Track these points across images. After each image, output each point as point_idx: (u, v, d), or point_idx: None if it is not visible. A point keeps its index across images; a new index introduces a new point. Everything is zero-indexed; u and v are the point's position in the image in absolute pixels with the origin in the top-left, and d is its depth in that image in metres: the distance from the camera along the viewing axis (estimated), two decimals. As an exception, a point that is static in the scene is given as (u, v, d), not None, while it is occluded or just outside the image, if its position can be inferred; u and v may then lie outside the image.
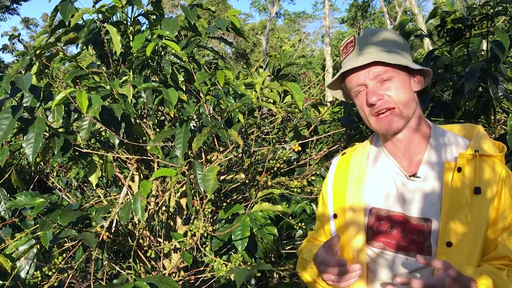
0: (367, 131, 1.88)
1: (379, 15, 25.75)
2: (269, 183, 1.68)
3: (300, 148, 1.73)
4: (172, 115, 1.79)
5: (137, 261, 1.80)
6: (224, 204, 1.67)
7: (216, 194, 1.81)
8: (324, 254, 1.03)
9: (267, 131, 1.93)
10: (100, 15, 1.64)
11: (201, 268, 1.81)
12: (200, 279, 1.78)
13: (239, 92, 1.64)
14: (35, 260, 1.56)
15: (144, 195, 1.50)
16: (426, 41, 11.12)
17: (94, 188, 2.19)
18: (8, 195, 1.66)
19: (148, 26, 1.80)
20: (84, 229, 1.57)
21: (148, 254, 1.71)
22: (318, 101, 2.01)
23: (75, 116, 1.64)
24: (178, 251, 1.78)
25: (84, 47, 1.71)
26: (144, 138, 1.82)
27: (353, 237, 1.13)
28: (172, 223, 1.85)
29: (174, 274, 1.79)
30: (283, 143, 1.92)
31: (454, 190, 1.03)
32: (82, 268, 2.09)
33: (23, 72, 1.92)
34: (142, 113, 1.85)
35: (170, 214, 1.85)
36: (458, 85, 1.86)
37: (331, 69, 12.21)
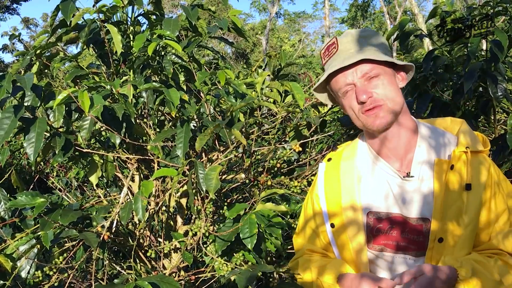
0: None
1: (379, 15, 25.76)
2: (269, 183, 1.68)
3: (300, 148, 1.73)
4: (173, 115, 1.79)
5: (138, 261, 1.80)
6: (225, 204, 1.67)
7: (216, 194, 1.81)
8: None
9: (267, 131, 1.93)
10: (100, 15, 1.64)
11: (202, 269, 1.81)
12: (201, 279, 1.78)
13: (240, 92, 1.64)
14: (35, 260, 1.56)
15: (146, 194, 1.50)
16: (426, 41, 11.13)
17: (94, 188, 2.19)
18: (8, 195, 1.67)
19: (148, 26, 1.80)
20: (85, 229, 1.57)
21: (148, 254, 1.71)
22: (318, 101, 2.01)
23: (76, 116, 1.64)
24: (178, 251, 1.78)
25: (85, 47, 1.71)
26: (144, 138, 1.82)
27: (353, 243, 1.13)
28: (172, 223, 1.85)
29: (174, 274, 1.79)
30: (283, 143, 1.92)
31: (446, 187, 1.04)
32: (82, 268, 2.09)
33: (23, 72, 1.92)
34: (143, 113, 1.85)
35: (170, 214, 1.85)
36: (458, 85, 1.86)
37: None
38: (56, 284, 1.59)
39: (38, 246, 1.57)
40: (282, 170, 1.89)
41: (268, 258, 1.77)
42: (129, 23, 1.77)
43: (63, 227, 1.50)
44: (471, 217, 1.03)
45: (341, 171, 1.18)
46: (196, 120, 1.73)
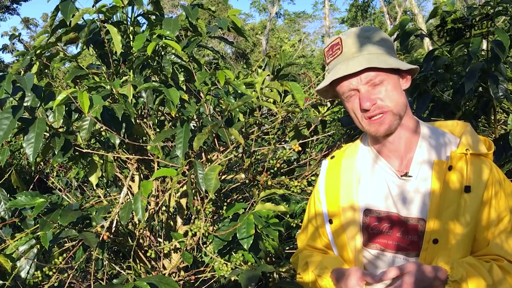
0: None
1: (379, 15, 25.76)
2: (269, 183, 1.68)
3: (300, 148, 1.73)
4: (173, 115, 1.79)
5: (137, 261, 1.80)
6: (225, 204, 1.67)
7: (216, 194, 1.81)
8: None
9: (267, 131, 1.93)
10: (100, 15, 1.64)
11: (201, 269, 1.81)
12: (200, 279, 1.78)
13: (239, 92, 1.64)
14: (35, 260, 1.56)
15: (145, 195, 1.50)
16: (426, 41, 11.12)
17: (94, 188, 2.18)
18: (8, 195, 1.66)
19: (147, 26, 1.80)
20: (85, 229, 1.57)
21: (148, 254, 1.71)
22: (318, 101, 2.01)
23: (76, 116, 1.64)
24: (178, 251, 1.78)
25: (85, 47, 1.71)
26: (144, 138, 1.82)
27: (350, 241, 1.13)
28: (172, 223, 1.85)
29: (174, 274, 1.79)
30: (283, 143, 1.92)
31: (444, 188, 1.04)
32: (82, 268, 2.09)
33: (23, 72, 1.92)
34: (142, 113, 1.85)
35: (170, 214, 1.84)
36: (458, 85, 1.86)
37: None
38: (55, 284, 1.59)
39: (38, 246, 1.57)
40: (282, 170, 1.89)
41: (268, 258, 1.77)
42: (129, 23, 1.76)
43: (63, 227, 1.50)
44: (469, 219, 1.02)
45: (342, 169, 1.19)
46: (196, 120, 1.73)
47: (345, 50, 1.08)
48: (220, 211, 1.77)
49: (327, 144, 2.30)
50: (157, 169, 1.72)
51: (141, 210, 1.51)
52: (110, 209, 1.65)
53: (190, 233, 1.61)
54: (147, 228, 1.79)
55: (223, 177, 1.80)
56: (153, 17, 1.80)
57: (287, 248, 2.09)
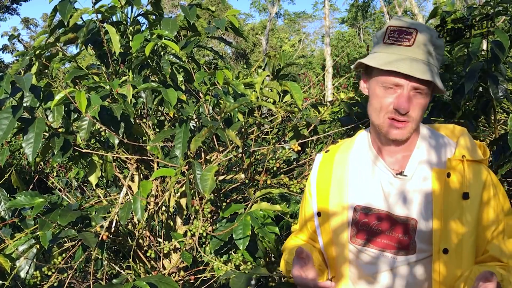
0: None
1: (379, 15, 25.76)
2: (269, 182, 1.68)
3: (299, 148, 1.73)
4: (171, 115, 1.78)
5: (137, 261, 1.80)
6: (224, 204, 1.67)
7: (216, 194, 1.81)
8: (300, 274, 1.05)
9: (267, 131, 1.93)
10: (99, 15, 1.64)
11: (201, 268, 1.81)
12: (200, 279, 1.78)
13: (238, 92, 1.64)
14: (34, 260, 1.56)
15: (144, 195, 1.50)
16: (426, 41, 11.09)
17: (94, 188, 2.18)
18: (8, 195, 1.66)
19: (147, 26, 1.80)
20: (84, 229, 1.57)
21: (148, 254, 1.71)
22: (318, 101, 2.01)
23: (75, 116, 1.64)
24: (178, 251, 1.78)
25: (84, 47, 1.71)
26: (143, 138, 1.82)
27: (337, 235, 1.14)
28: (172, 223, 1.85)
29: (174, 274, 1.79)
30: (282, 143, 1.92)
31: (444, 196, 1.04)
32: (82, 268, 2.09)
33: (22, 72, 1.92)
34: (142, 113, 1.85)
35: (170, 214, 1.84)
36: (458, 85, 1.86)
37: (331, 69, 12.21)
38: (55, 284, 1.59)
39: (37, 246, 1.57)
40: (281, 170, 1.89)
41: (267, 259, 1.77)
42: (128, 23, 1.76)
43: (62, 227, 1.50)
44: (471, 226, 1.02)
45: (334, 164, 1.18)
46: (196, 120, 1.73)
47: (414, 47, 1.03)
48: (220, 211, 1.76)
49: (327, 145, 2.29)
50: (157, 169, 1.72)
51: (141, 210, 1.51)
52: (110, 209, 1.65)
53: (189, 233, 1.61)
54: (146, 228, 1.79)
55: (222, 177, 1.80)
56: (153, 17, 1.80)
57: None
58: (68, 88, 1.47)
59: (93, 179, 1.76)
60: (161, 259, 1.76)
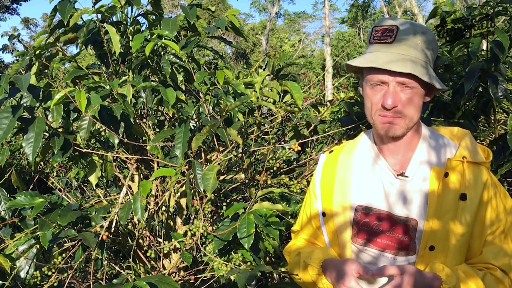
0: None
1: (379, 15, 25.75)
2: (269, 182, 1.68)
3: (299, 148, 1.73)
4: (170, 115, 1.78)
5: (137, 261, 1.80)
6: (224, 204, 1.67)
7: (216, 194, 1.81)
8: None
9: (267, 131, 1.93)
10: (99, 15, 1.64)
11: (201, 267, 1.81)
12: (200, 279, 1.78)
13: (238, 91, 1.64)
14: (34, 260, 1.56)
15: (144, 195, 1.50)
16: (426, 41, 11.08)
17: (94, 188, 2.18)
18: (8, 195, 1.66)
19: (147, 26, 1.80)
20: (84, 229, 1.57)
21: (148, 254, 1.71)
22: (318, 101, 2.01)
23: (75, 116, 1.64)
24: (178, 251, 1.78)
25: (84, 47, 1.71)
26: (143, 138, 1.82)
27: (339, 234, 1.15)
28: (172, 223, 1.85)
29: (174, 274, 1.79)
30: (282, 143, 1.92)
31: (440, 195, 1.04)
32: (82, 268, 2.09)
33: (23, 72, 1.92)
34: (142, 113, 1.85)
35: (170, 214, 1.84)
36: (458, 85, 1.86)
37: (331, 69, 12.21)
38: (55, 284, 1.59)
39: (37, 246, 1.57)
40: (281, 170, 1.89)
41: (267, 259, 1.77)
42: (128, 23, 1.76)
43: (62, 227, 1.50)
44: (464, 227, 1.02)
45: (338, 164, 1.19)
46: (196, 120, 1.73)
47: (395, 42, 1.04)
48: (220, 211, 1.76)
49: (327, 144, 2.30)
50: (157, 169, 1.72)
51: (141, 210, 1.51)
52: (110, 209, 1.65)
53: (189, 233, 1.61)
54: (146, 228, 1.79)
55: (222, 177, 1.80)
56: (153, 17, 1.79)
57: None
58: (68, 88, 1.47)
59: (93, 179, 1.76)
60: (161, 259, 1.76)
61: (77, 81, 1.81)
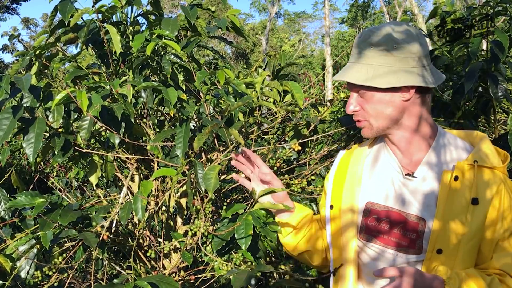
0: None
1: (379, 15, 25.75)
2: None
3: (300, 148, 1.73)
4: (172, 115, 1.79)
5: (137, 261, 1.80)
6: (225, 203, 1.67)
7: (216, 194, 1.81)
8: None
9: (267, 131, 1.93)
10: (99, 15, 1.64)
11: (201, 268, 1.81)
12: (200, 279, 1.78)
13: (239, 91, 1.64)
14: (35, 260, 1.56)
15: (145, 194, 1.50)
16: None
17: (94, 188, 2.18)
18: (8, 195, 1.66)
19: (147, 26, 1.80)
20: (85, 229, 1.57)
21: (148, 254, 1.71)
22: (318, 100, 2.01)
23: (75, 116, 1.64)
24: (178, 251, 1.78)
25: (84, 47, 1.71)
26: (144, 138, 1.82)
27: (345, 229, 1.17)
28: (172, 223, 1.85)
29: (174, 274, 1.79)
30: (282, 143, 1.92)
31: (449, 198, 1.04)
32: (82, 268, 2.09)
33: (23, 72, 1.92)
34: (142, 113, 1.85)
35: (170, 214, 1.85)
36: (458, 85, 1.86)
37: (331, 69, 12.22)
38: (55, 284, 1.59)
39: (38, 246, 1.57)
40: (281, 170, 1.89)
41: (267, 258, 1.77)
42: (128, 23, 1.76)
43: (63, 227, 1.50)
44: (474, 231, 1.01)
45: (351, 160, 1.23)
46: (196, 120, 1.73)
47: (353, 51, 1.09)
48: (220, 211, 1.76)
49: (327, 144, 2.30)
50: (157, 169, 1.72)
51: (141, 210, 1.51)
52: (110, 209, 1.66)
53: (190, 233, 1.61)
54: (147, 228, 1.79)
55: (223, 177, 1.80)
56: (153, 17, 1.80)
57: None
58: (69, 88, 1.47)
59: (93, 179, 1.76)
60: (161, 259, 1.76)
61: (77, 81, 1.81)
